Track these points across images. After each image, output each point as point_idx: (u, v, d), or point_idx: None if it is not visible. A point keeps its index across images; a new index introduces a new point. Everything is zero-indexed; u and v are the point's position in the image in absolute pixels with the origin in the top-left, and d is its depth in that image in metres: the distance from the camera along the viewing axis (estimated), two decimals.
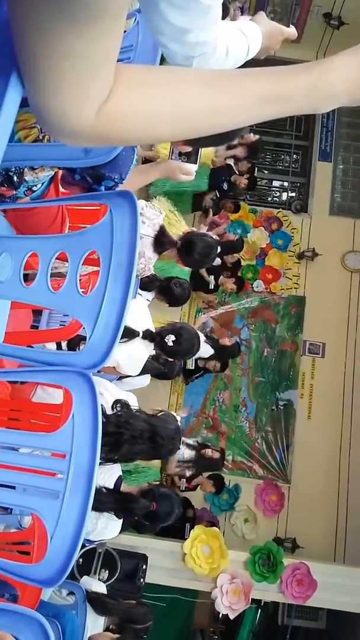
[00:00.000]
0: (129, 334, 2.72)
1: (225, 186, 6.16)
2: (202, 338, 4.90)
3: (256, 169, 6.79)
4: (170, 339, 2.94)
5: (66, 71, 0.58)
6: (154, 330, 2.95)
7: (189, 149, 2.29)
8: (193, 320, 6.35)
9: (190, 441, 4.91)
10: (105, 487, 2.35)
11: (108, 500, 2.32)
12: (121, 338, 2.44)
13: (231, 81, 0.71)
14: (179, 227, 3.66)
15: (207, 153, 5.49)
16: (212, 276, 5.96)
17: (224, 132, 0.73)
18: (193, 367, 5.42)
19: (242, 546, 5.45)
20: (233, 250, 6.18)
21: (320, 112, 0.74)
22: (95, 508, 2.23)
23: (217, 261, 5.52)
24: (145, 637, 2.98)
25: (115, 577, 3.96)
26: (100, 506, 2.28)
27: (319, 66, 0.71)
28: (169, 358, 3.23)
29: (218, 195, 6.22)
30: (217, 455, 4.85)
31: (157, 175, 2.48)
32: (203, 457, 4.78)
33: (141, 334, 2.82)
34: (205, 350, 4.97)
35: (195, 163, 2.32)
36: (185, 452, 4.63)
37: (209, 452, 4.83)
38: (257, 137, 6.16)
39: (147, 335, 2.87)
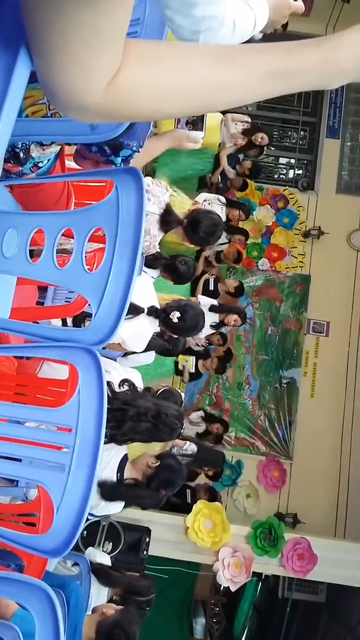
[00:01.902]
0: (134, 310, 2.73)
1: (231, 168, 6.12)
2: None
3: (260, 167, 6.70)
4: (175, 316, 2.95)
5: (75, 45, 0.58)
6: (158, 307, 2.95)
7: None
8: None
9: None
10: (111, 481, 2.39)
11: (116, 493, 2.36)
12: (126, 314, 2.46)
13: (241, 56, 0.70)
14: (181, 207, 3.65)
15: (213, 139, 5.41)
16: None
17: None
18: (194, 371, 5.37)
19: (244, 521, 5.53)
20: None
21: (330, 87, 0.73)
22: (105, 498, 2.28)
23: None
24: (147, 609, 3.05)
25: (119, 549, 4.04)
26: (112, 497, 2.33)
27: (329, 41, 0.69)
28: (174, 335, 3.24)
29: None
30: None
31: (166, 145, 2.46)
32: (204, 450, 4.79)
33: (146, 311, 2.83)
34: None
35: (202, 130, 2.31)
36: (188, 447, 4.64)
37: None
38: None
39: (152, 311, 2.88)
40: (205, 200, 4.92)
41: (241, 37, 1.13)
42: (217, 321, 5.02)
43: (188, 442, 4.41)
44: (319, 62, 0.69)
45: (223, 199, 5.38)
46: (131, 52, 0.64)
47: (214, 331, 5.07)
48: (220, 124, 5.66)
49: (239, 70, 0.70)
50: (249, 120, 5.98)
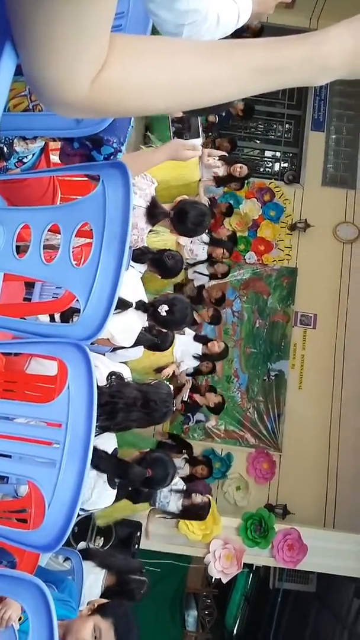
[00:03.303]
0: (122, 304, 2.73)
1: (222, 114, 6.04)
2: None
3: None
4: (163, 309, 2.95)
5: (58, 39, 0.57)
6: (146, 301, 2.96)
7: (180, 114, 2.25)
8: None
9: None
10: (104, 452, 2.38)
11: (107, 464, 2.36)
12: (115, 309, 2.45)
13: (227, 52, 0.70)
14: (164, 245, 3.68)
15: (194, 177, 5.33)
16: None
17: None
18: (186, 400, 5.34)
19: (234, 513, 5.57)
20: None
21: (315, 84, 0.73)
22: (95, 466, 2.27)
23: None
24: (142, 594, 3.03)
25: (110, 544, 4.05)
26: (99, 469, 2.32)
27: (314, 37, 0.69)
28: (162, 329, 3.25)
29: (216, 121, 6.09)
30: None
31: (163, 158, 2.44)
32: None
33: (134, 305, 2.83)
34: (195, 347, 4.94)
35: (199, 137, 2.27)
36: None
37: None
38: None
39: (140, 305, 2.88)
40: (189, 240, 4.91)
41: (225, 31, 1.12)
42: (200, 353, 4.99)
43: (174, 495, 4.31)
44: (304, 58, 0.69)
45: (206, 238, 5.35)
46: (117, 47, 0.63)
47: (198, 363, 5.01)
48: (197, 160, 5.53)
49: (225, 66, 0.69)
50: (226, 154, 5.89)
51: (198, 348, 4.94)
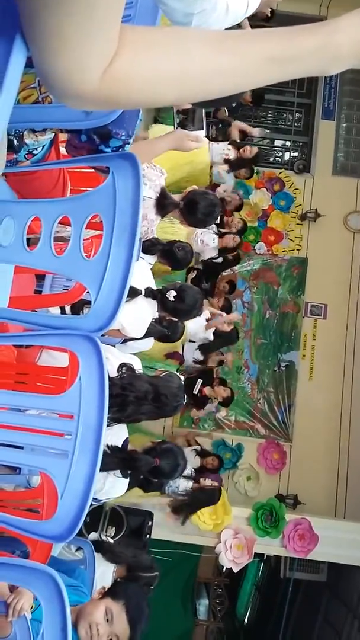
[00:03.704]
0: (132, 292, 2.74)
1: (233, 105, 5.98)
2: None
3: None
4: (171, 295, 2.96)
5: (69, 30, 0.57)
6: (155, 289, 2.97)
7: (188, 106, 2.25)
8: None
9: None
10: (108, 446, 2.39)
11: (111, 461, 2.37)
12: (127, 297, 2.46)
13: (238, 42, 0.70)
14: (175, 235, 3.67)
15: (205, 159, 5.30)
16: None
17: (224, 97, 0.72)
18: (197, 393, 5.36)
19: (245, 503, 5.59)
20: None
21: (327, 74, 0.72)
22: (100, 469, 2.28)
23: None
24: (152, 589, 3.08)
25: (122, 534, 4.08)
26: (105, 466, 2.33)
27: (325, 27, 0.69)
28: (172, 317, 3.24)
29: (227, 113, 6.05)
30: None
31: (166, 147, 2.43)
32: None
33: (143, 292, 2.84)
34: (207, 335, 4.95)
35: (202, 129, 2.28)
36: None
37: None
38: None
39: (149, 292, 2.89)
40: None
41: (234, 19, 1.12)
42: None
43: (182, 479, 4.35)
44: (316, 48, 0.68)
45: (215, 229, 5.33)
46: (127, 38, 0.63)
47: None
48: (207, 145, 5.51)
49: (236, 56, 0.69)
50: (236, 140, 5.85)
51: (209, 334, 4.96)
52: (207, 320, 4.91)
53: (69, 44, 0.58)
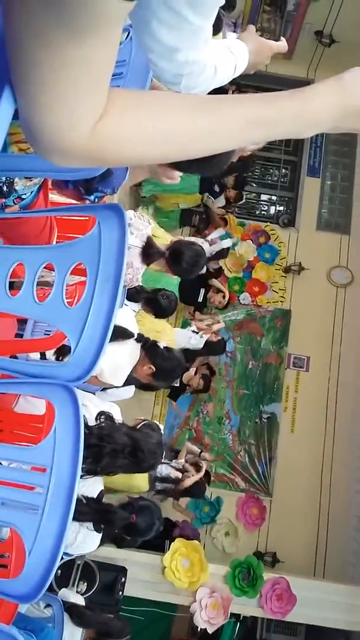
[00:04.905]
0: (124, 335, 2.71)
1: (216, 188, 6.17)
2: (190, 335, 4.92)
3: (245, 180, 6.84)
4: (162, 345, 2.95)
5: (63, 83, 0.57)
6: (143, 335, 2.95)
7: (172, 170, 2.30)
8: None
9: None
10: (84, 496, 2.32)
11: (87, 511, 2.30)
12: (116, 339, 2.43)
13: (221, 106, 0.73)
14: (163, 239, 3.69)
15: None
16: (202, 289, 5.96)
17: (209, 161, 0.75)
18: (178, 385, 5.37)
19: (222, 559, 5.42)
20: (220, 257, 6.21)
21: (303, 137, 0.77)
22: (74, 518, 2.21)
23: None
24: None
25: (93, 590, 3.92)
26: (80, 516, 2.25)
27: (303, 93, 0.73)
28: (154, 370, 3.21)
29: (212, 200, 6.25)
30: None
31: (144, 176, 2.47)
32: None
33: (135, 335, 2.82)
34: (197, 342, 4.95)
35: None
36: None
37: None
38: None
39: (140, 338, 2.88)
40: None
41: (221, 81, 1.15)
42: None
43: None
44: (293, 113, 0.72)
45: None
46: (115, 100, 0.64)
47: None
48: None
49: (220, 118, 0.72)
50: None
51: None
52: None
53: (61, 99, 0.58)
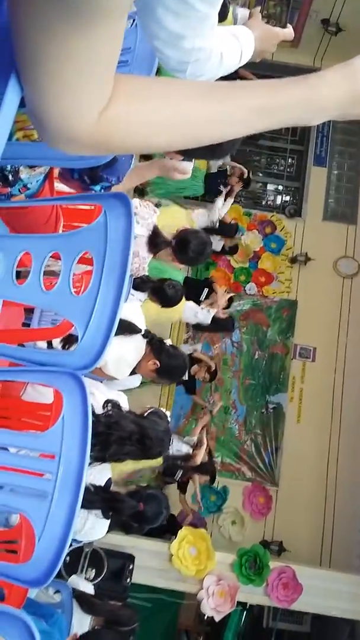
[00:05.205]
0: (131, 330, 2.72)
1: (222, 188, 6.17)
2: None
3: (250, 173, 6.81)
4: (168, 342, 2.96)
5: (70, 73, 0.57)
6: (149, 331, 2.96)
7: (181, 157, 2.30)
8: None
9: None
10: (92, 485, 2.34)
11: (95, 499, 2.32)
12: (123, 333, 2.44)
13: (228, 93, 0.72)
14: (173, 216, 3.71)
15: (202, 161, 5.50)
16: (206, 289, 5.90)
17: (218, 145, 0.74)
18: (188, 379, 5.35)
19: (229, 548, 5.45)
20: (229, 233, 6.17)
21: (311, 124, 0.76)
22: (82, 506, 2.23)
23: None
24: (131, 639, 2.98)
25: (101, 577, 3.96)
26: (88, 504, 2.27)
27: (311, 79, 0.72)
28: (159, 366, 3.22)
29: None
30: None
31: (154, 174, 2.47)
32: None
33: (143, 331, 2.83)
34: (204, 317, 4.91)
35: (191, 161, 2.33)
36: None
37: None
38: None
39: (147, 334, 2.89)
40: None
41: (227, 69, 1.14)
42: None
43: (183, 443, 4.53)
44: (301, 100, 0.72)
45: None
46: (121, 86, 0.64)
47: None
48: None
49: (226, 106, 0.71)
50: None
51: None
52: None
53: (69, 87, 0.59)
